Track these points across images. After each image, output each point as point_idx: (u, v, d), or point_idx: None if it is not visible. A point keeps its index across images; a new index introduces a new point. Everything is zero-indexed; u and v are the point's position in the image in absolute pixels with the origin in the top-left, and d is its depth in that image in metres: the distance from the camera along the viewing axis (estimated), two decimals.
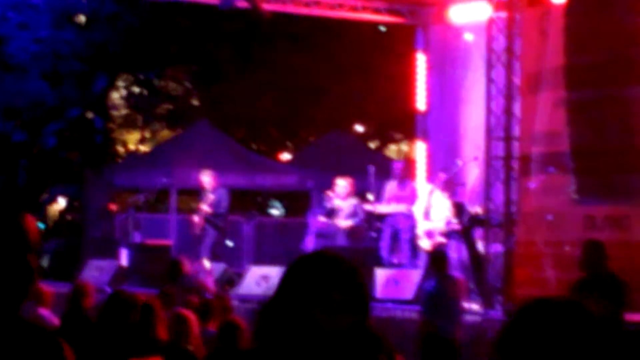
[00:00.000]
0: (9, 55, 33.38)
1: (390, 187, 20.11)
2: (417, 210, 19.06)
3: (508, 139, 13.49)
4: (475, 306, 13.68)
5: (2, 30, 32.98)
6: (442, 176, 18.96)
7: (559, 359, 2.78)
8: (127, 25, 33.89)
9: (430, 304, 13.43)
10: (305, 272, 3.24)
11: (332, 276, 3.20)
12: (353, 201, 19.90)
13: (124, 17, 33.64)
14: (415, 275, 17.73)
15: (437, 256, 14.83)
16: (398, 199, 19.69)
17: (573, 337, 2.77)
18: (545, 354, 2.76)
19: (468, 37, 21.04)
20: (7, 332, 3.45)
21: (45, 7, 32.79)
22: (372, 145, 39.72)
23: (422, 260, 18.21)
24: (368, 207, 19.95)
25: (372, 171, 20.76)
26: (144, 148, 40.90)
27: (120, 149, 41.75)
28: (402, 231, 19.16)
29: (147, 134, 42.37)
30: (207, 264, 20.63)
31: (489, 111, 13.92)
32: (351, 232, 19.62)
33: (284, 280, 3.25)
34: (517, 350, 2.77)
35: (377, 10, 22.62)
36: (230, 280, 19.44)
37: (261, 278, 18.77)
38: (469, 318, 13.43)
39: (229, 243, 22.35)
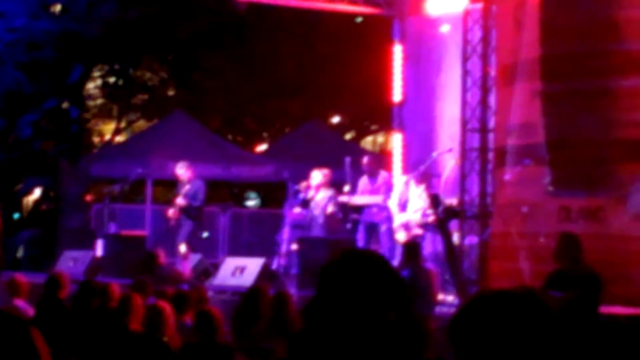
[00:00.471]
0: None
1: (363, 182, 20.19)
2: (392, 202, 19.12)
3: (483, 130, 13.54)
4: (450, 297, 13.71)
5: None
6: (420, 168, 19.04)
7: (505, 348, 2.79)
8: (103, 14, 33.86)
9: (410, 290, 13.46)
10: (351, 271, 3.29)
11: (377, 276, 3.26)
12: (328, 192, 19.92)
13: (99, 6, 33.60)
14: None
15: (411, 247, 14.89)
16: (370, 193, 19.76)
17: (521, 327, 2.79)
18: (492, 342, 2.79)
19: (444, 28, 21.08)
20: None
21: None
22: (348, 136, 39.79)
23: (399, 252, 18.29)
24: (343, 198, 19.99)
25: (349, 162, 20.80)
26: (119, 138, 40.89)
27: (96, 139, 41.77)
28: (379, 224, 19.22)
29: (123, 124, 42.34)
30: (182, 249, 20.65)
31: (464, 103, 13.98)
32: (327, 223, 19.65)
33: (328, 279, 3.33)
34: (466, 338, 2.80)
35: (353, 1, 22.61)
36: (206, 271, 19.47)
37: (237, 269, 18.78)
38: (444, 309, 13.48)
39: (205, 234, 22.37)
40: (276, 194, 26.00)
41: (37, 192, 36.78)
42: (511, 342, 2.75)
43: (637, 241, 11.95)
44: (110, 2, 32.00)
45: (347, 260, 3.36)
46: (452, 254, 14.88)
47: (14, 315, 3.31)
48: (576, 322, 10.15)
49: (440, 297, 13.74)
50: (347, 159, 20.95)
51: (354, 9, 23.07)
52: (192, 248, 21.01)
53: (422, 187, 18.35)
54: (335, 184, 20.32)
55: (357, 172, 20.57)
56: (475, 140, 13.74)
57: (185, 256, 20.43)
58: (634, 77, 11.99)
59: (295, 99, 38.78)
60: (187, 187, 21.43)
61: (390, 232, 18.88)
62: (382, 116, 27.63)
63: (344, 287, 3.28)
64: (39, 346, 3.27)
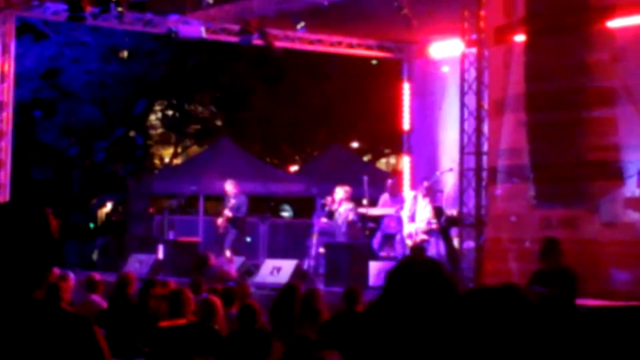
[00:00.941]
0: (65, 84, 33.53)
1: (384, 198, 20.30)
2: (404, 214, 19.16)
3: (478, 153, 13.52)
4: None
5: (59, 63, 33.12)
6: (425, 184, 19.06)
7: (493, 334, 2.82)
8: (162, 59, 34.05)
9: None
10: (410, 278, 3.35)
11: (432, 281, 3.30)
12: (349, 205, 19.95)
13: (159, 52, 33.79)
14: None
15: (416, 250, 14.91)
16: (385, 204, 19.90)
17: (505, 317, 2.83)
18: (483, 329, 2.83)
19: (445, 69, 21.10)
20: (21, 312, 3.29)
21: (94, 44, 32.92)
22: (366, 158, 39.70)
23: (406, 251, 18.34)
24: (362, 210, 20.00)
25: (366, 180, 20.81)
26: (176, 161, 40.94)
27: (157, 161, 41.80)
28: (395, 234, 19.24)
29: (179, 150, 42.42)
30: (229, 253, 20.74)
31: (462, 130, 13.96)
32: (348, 231, 19.66)
33: (394, 282, 3.38)
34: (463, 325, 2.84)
35: (369, 47, 22.71)
36: (248, 271, 19.45)
37: (274, 269, 18.78)
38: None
39: (248, 239, 22.40)
40: (306, 207, 25.95)
41: (109, 206, 36.89)
42: (498, 329, 2.80)
43: (606, 245, 11.96)
44: (170, 50, 32.09)
45: (411, 266, 3.31)
46: (452, 256, 14.88)
47: (80, 315, 3.32)
48: (556, 313, 10.16)
49: None
50: (365, 178, 20.93)
51: (370, 53, 23.21)
52: (236, 252, 21.07)
53: (427, 200, 18.38)
54: (355, 199, 20.33)
55: (373, 188, 20.60)
56: (471, 162, 13.73)
57: (231, 259, 20.48)
58: (602, 109, 12.01)
59: (321, 128, 38.86)
60: (232, 202, 21.50)
61: (403, 240, 18.90)
62: (394, 142, 27.64)
63: (408, 289, 3.29)
64: (100, 341, 3.27)
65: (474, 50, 13.82)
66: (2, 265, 3.34)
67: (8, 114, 21.22)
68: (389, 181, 21.03)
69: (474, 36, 13.77)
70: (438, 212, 17.46)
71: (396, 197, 20.20)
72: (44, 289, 3.32)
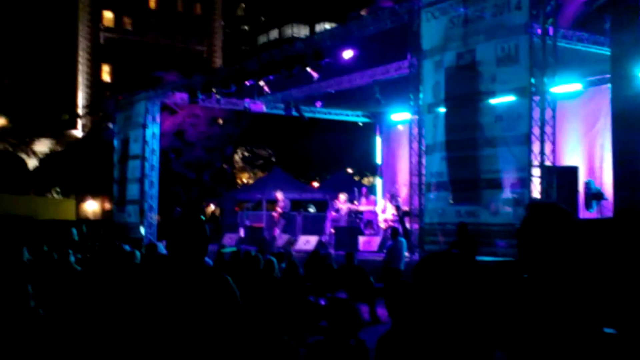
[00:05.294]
0: (187, 139, 33.84)
1: (364, 200, 20.34)
2: (378, 209, 19.25)
3: (420, 175, 13.43)
4: (407, 253, 13.65)
5: (183, 127, 33.42)
6: (390, 193, 19.17)
7: (440, 281, 2.74)
8: (242, 124, 34.32)
9: (388, 253, 13.39)
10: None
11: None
12: (347, 204, 20.05)
13: (240, 120, 34.04)
14: (377, 240, 17.81)
15: (392, 229, 14.87)
16: (367, 204, 19.96)
17: (449, 269, 2.76)
18: (433, 279, 2.75)
19: (400, 127, 21.23)
20: (196, 273, 3.41)
21: (203, 115, 33.21)
22: (356, 178, 39.69)
23: (381, 233, 18.33)
24: (354, 207, 20.09)
25: (357, 191, 20.94)
26: (250, 181, 41.08)
27: (239, 181, 41.99)
28: (373, 220, 19.29)
29: (251, 175, 42.63)
30: (278, 233, 20.82)
31: (410, 162, 13.88)
32: (347, 219, 19.75)
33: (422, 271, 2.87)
34: (420, 278, 2.83)
35: (357, 116, 22.92)
36: (290, 242, 19.54)
37: (306, 241, 18.90)
38: (406, 260, 13.37)
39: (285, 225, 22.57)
40: (323, 206, 26.01)
41: (212, 207, 37.08)
42: (441, 277, 2.80)
43: (492, 226, 11.86)
44: (245, 118, 32.27)
45: (435, 259, 2.89)
46: (406, 233, 14.82)
47: (219, 271, 3.51)
48: (464, 266, 10.08)
49: (406, 254, 13.57)
50: (356, 189, 21.09)
51: (358, 119, 23.33)
52: (284, 231, 21.16)
53: (391, 202, 18.47)
54: (350, 201, 20.41)
55: (361, 195, 20.68)
56: (416, 180, 13.69)
57: (280, 236, 20.58)
58: (489, 149, 11.98)
59: (329, 165, 38.98)
60: (281, 203, 21.64)
61: (378, 224, 18.96)
62: (372, 169, 27.57)
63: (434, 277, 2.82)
64: (231, 284, 3.44)
65: (416, 116, 13.64)
66: (190, 246, 3.49)
67: (157, 157, 21.56)
68: (363, 189, 21.12)
69: (416, 109, 13.72)
70: (398, 208, 17.50)
71: (368, 199, 20.25)
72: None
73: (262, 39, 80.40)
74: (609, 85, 10.16)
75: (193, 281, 3.38)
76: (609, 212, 14.12)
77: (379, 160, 22.92)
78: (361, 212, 19.85)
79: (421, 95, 13.31)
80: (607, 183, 14.53)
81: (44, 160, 46.97)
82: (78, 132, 55.86)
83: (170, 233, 3.53)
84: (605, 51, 12.65)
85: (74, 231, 13.22)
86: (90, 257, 9.55)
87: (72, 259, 8.52)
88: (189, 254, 3.46)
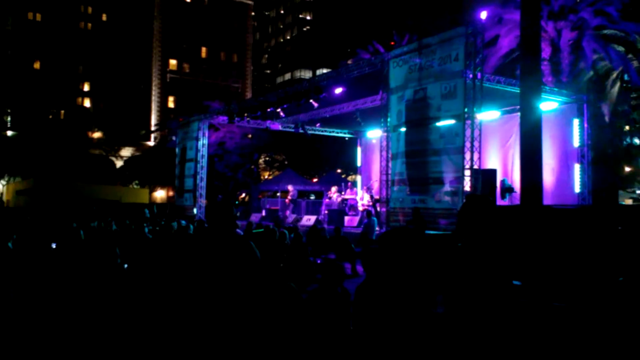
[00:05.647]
0: (226, 147, 33.49)
1: (348, 191, 20.13)
2: (358, 198, 19.10)
3: (387, 174, 13.35)
4: (377, 228, 13.53)
5: (224, 139, 33.13)
6: (367, 187, 19.01)
7: (394, 254, 2.75)
8: (264, 137, 33.96)
9: (364, 228, 13.28)
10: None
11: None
12: (337, 194, 19.90)
13: (263, 135, 33.61)
14: (357, 219, 17.67)
15: (367, 211, 14.75)
16: (350, 194, 19.77)
17: (406, 239, 2.76)
18: (396, 247, 2.76)
19: (374, 141, 21.10)
20: (228, 240, 3.35)
21: (238, 131, 32.72)
22: (343, 176, 39.47)
23: (360, 214, 18.21)
24: (341, 196, 19.95)
25: (344, 184, 20.79)
26: (270, 177, 40.88)
27: (262, 177, 41.79)
28: (355, 204, 19.13)
29: (271, 173, 42.32)
30: (288, 213, 20.62)
31: (381, 166, 13.76)
32: (337, 204, 19.57)
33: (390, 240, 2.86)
34: (386, 243, 2.80)
35: (344, 133, 22.67)
36: (297, 219, 19.43)
37: (308, 219, 18.78)
38: (376, 232, 13.25)
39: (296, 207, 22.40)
40: (320, 195, 25.96)
41: (243, 195, 36.86)
42: (401, 245, 2.77)
43: (437, 210, 11.74)
44: (267, 134, 31.82)
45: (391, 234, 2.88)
46: (377, 214, 14.68)
47: (245, 237, 3.45)
48: (417, 239, 10.00)
49: (377, 229, 13.42)
50: (343, 183, 20.92)
51: (345, 135, 23.03)
52: (293, 212, 21.04)
53: (367, 192, 18.34)
54: (339, 191, 20.27)
55: (346, 187, 20.51)
56: (384, 177, 13.59)
57: (290, 215, 20.44)
58: (435, 157, 11.76)
59: (325, 166, 38.69)
60: (291, 192, 21.50)
61: (358, 208, 18.83)
62: (354, 169, 27.45)
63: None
64: (254, 248, 3.36)
65: (385, 134, 13.31)
66: (222, 222, 3.39)
67: (205, 160, 21.37)
68: (349, 184, 20.92)
69: (385, 128, 13.59)
70: (372, 197, 17.41)
71: (351, 190, 20.04)
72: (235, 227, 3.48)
73: (279, 79, 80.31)
74: (519, 113, 10.14)
75: (226, 245, 3.35)
76: (517, 201, 14.08)
77: (359, 163, 22.71)
78: (346, 199, 19.75)
79: (389, 119, 13.22)
80: (516, 180, 14.52)
81: (127, 161, 47.01)
82: (151, 143, 55.88)
83: (210, 213, 3.51)
84: (516, 89, 12.63)
85: (147, 211, 13.22)
86: (159, 229, 9.53)
87: (146, 230, 8.49)
88: (222, 227, 3.42)
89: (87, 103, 64.39)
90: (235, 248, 3.32)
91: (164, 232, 7.56)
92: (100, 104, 64.67)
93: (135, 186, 43.21)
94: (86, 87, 64.79)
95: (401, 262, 2.75)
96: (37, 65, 61.33)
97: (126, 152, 51.50)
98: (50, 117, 54.91)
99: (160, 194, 47.51)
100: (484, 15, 11.50)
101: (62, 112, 60.10)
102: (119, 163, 48.85)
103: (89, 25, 65.63)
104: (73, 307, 4.04)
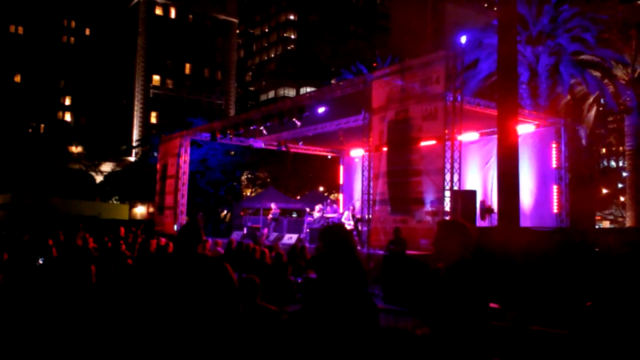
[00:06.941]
0: (208, 165, 33.36)
1: (329, 209, 20.12)
2: (344, 218, 19.06)
3: (369, 194, 13.36)
4: (358, 247, 13.38)
5: (206, 157, 32.99)
6: (350, 207, 18.96)
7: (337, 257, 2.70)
8: (246, 155, 33.94)
9: None
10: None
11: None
12: (320, 213, 19.83)
13: (245, 152, 33.69)
14: None
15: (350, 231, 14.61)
16: (332, 212, 19.74)
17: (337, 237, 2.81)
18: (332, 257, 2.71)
19: (357, 160, 21.18)
20: (192, 260, 3.17)
21: (220, 148, 32.81)
22: (326, 194, 39.50)
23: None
24: (324, 214, 19.90)
25: (327, 202, 20.74)
26: (252, 195, 40.70)
27: (244, 195, 41.58)
28: (337, 222, 19.00)
29: (253, 190, 42.16)
30: (268, 232, 20.44)
31: (363, 185, 13.79)
32: (320, 223, 19.44)
33: (331, 235, 2.87)
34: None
35: (327, 152, 22.71)
36: (279, 238, 19.27)
37: (289, 237, 18.61)
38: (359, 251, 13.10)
39: (277, 226, 22.22)
40: (302, 213, 25.88)
41: (225, 212, 36.55)
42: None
43: (419, 230, 11.67)
44: (250, 152, 31.94)
45: (329, 229, 2.87)
46: (359, 233, 14.58)
47: (213, 257, 3.29)
48: (399, 259, 9.92)
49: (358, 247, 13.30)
50: (326, 202, 20.88)
51: (327, 154, 23.02)
52: (274, 230, 20.87)
53: (350, 211, 18.32)
54: (322, 210, 20.22)
55: (329, 205, 20.47)
56: (366, 197, 13.59)
57: (270, 234, 20.26)
58: (416, 178, 11.86)
59: (307, 184, 38.66)
60: (273, 210, 21.36)
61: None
62: (336, 188, 27.51)
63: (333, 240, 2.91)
64: (228, 270, 3.16)
65: (367, 153, 13.50)
66: (187, 239, 3.19)
67: (186, 176, 21.18)
68: (331, 202, 20.86)
69: (367, 148, 13.64)
70: (354, 217, 17.35)
71: (333, 208, 20.03)
72: (200, 247, 3.36)
73: (263, 96, 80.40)
74: (496, 135, 10.27)
75: (191, 267, 3.17)
76: (495, 222, 14.21)
77: (341, 181, 22.76)
78: (328, 218, 19.70)
79: (370, 139, 13.29)
80: (495, 202, 14.67)
81: (107, 176, 46.25)
82: (132, 158, 55.20)
83: (178, 233, 3.38)
84: (494, 112, 12.84)
85: (123, 228, 13.01)
86: (136, 246, 9.35)
87: (122, 247, 8.33)
88: (186, 248, 3.27)
89: (68, 117, 63.57)
90: (201, 271, 3.17)
91: (141, 250, 7.42)
92: (81, 118, 63.93)
93: (115, 202, 42.47)
94: (67, 101, 64.06)
95: (386, 281, 2.75)
96: (17, 79, 60.58)
97: (106, 167, 50.76)
98: (30, 130, 54.07)
99: (140, 210, 46.77)
100: (464, 39, 11.71)
101: (42, 125, 59.26)
102: (99, 178, 48.06)
103: (72, 39, 65.21)
104: (45, 325, 3.90)
